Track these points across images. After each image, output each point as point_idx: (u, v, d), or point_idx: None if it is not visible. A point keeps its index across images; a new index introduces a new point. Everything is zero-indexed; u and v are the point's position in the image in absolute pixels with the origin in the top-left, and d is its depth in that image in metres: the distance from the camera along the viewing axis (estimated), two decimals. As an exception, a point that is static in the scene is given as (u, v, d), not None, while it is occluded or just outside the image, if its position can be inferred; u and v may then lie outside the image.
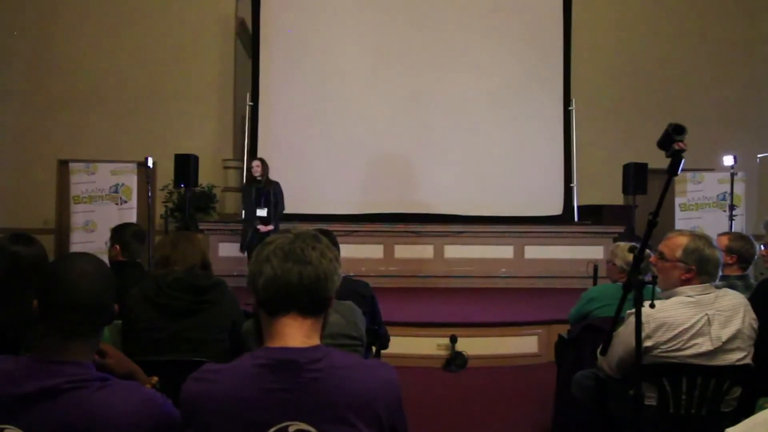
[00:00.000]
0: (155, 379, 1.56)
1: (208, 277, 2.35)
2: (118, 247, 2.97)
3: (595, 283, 3.71)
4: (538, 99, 8.22)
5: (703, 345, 2.08)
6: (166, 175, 7.80)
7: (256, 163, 6.25)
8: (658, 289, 2.11)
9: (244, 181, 7.09)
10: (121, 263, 2.96)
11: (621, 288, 2.13)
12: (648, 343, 2.09)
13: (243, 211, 6.42)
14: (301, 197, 7.34)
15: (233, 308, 2.38)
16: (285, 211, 6.39)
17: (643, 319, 1.96)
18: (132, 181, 7.37)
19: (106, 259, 3.05)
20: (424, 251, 7.55)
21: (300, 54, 8.02)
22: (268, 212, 6.09)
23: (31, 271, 2.15)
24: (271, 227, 6.05)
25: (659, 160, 2.17)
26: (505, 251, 7.63)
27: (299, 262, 1.20)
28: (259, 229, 6.08)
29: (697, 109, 8.87)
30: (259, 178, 6.15)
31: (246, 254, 6.23)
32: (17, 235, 2.31)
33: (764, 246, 3.74)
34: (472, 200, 7.81)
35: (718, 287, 2.22)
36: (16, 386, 1.15)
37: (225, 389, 1.15)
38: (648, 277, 2.18)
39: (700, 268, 2.17)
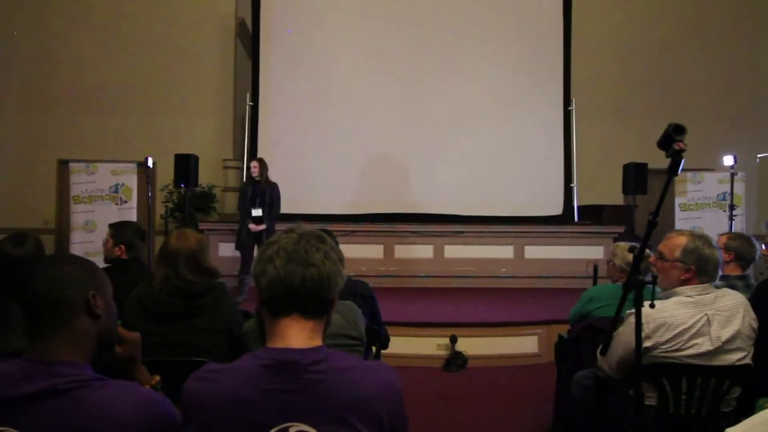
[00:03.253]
0: (157, 378, 1.56)
1: (202, 281, 2.31)
2: (123, 246, 2.99)
3: (595, 283, 3.71)
4: (538, 99, 8.21)
5: (703, 345, 2.08)
6: (166, 175, 7.81)
7: (254, 164, 6.25)
8: (658, 289, 2.12)
9: (244, 180, 7.09)
10: (126, 261, 2.98)
11: (621, 288, 2.13)
12: (648, 344, 2.09)
13: (238, 210, 6.40)
14: (300, 197, 7.34)
15: (230, 312, 2.35)
16: (285, 212, 6.38)
17: (643, 319, 1.97)
18: (132, 181, 7.36)
19: (101, 257, 3.06)
20: (424, 251, 7.55)
21: (300, 54, 8.02)
22: (262, 212, 6.08)
23: (17, 271, 2.16)
24: (263, 227, 6.04)
25: (659, 160, 2.18)
26: (505, 251, 7.63)
27: (302, 263, 1.20)
28: (250, 228, 6.07)
29: (697, 109, 8.87)
30: (257, 179, 6.15)
31: (240, 253, 6.23)
32: (11, 236, 2.32)
33: (765, 246, 3.74)
34: (472, 200, 7.81)
35: (717, 287, 2.22)
36: (13, 388, 1.14)
37: (226, 389, 1.15)
38: (648, 277, 2.18)
39: (699, 268, 2.17)
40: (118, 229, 3.06)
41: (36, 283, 1.24)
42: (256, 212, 6.07)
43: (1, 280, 2.15)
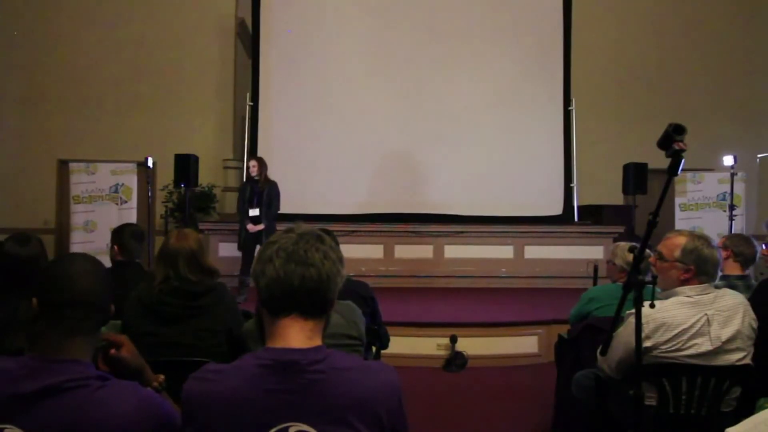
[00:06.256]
0: (161, 377, 1.57)
1: (203, 281, 2.32)
2: (116, 247, 3.01)
3: (595, 283, 3.71)
4: (538, 99, 8.21)
5: (703, 345, 2.08)
6: (166, 175, 7.80)
7: (252, 163, 6.21)
8: (658, 289, 2.11)
9: (244, 179, 7.07)
10: (120, 263, 2.99)
11: (621, 288, 2.13)
12: (648, 344, 2.09)
13: (237, 211, 6.36)
14: (301, 197, 7.33)
15: (229, 313, 2.35)
16: (286, 212, 6.36)
17: (643, 319, 1.96)
18: (132, 181, 7.36)
19: (106, 259, 3.08)
20: (424, 251, 7.54)
21: (300, 54, 8.02)
22: (260, 212, 6.06)
23: (23, 270, 2.17)
24: (261, 227, 6.02)
25: (659, 160, 2.18)
26: (505, 251, 7.63)
27: (302, 263, 1.20)
28: (248, 229, 6.04)
29: (697, 109, 8.87)
30: (256, 178, 6.13)
31: (242, 254, 6.22)
32: (15, 236, 2.32)
33: (765, 246, 3.74)
34: (472, 200, 7.80)
35: (718, 287, 2.22)
36: (17, 385, 1.15)
37: (226, 389, 1.15)
38: (648, 277, 2.18)
39: (698, 268, 2.17)
40: (115, 231, 3.10)
41: (88, 286, 1.28)
42: (254, 212, 6.04)
43: (10, 279, 2.15)
